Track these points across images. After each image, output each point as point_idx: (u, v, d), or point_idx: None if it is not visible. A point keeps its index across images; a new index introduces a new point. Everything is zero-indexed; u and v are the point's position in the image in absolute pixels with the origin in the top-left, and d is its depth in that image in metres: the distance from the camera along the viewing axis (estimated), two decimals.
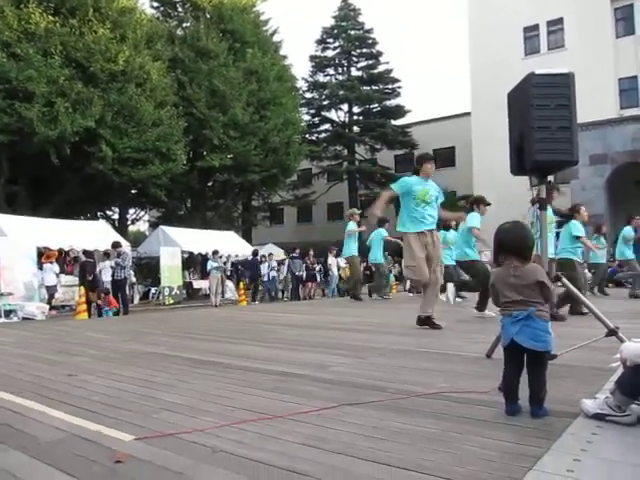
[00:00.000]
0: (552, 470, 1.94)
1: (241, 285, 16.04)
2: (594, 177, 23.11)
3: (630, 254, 11.97)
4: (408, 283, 15.45)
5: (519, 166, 3.57)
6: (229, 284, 17.85)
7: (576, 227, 8.12)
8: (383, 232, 12.77)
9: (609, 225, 22.54)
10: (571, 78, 3.38)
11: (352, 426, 2.57)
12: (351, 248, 12.51)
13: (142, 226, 40.78)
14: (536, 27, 29.03)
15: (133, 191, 23.46)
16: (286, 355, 4.78)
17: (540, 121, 3.30)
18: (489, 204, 7.88)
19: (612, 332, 3.45)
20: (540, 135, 3.31)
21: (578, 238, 8.10)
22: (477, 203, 7.88)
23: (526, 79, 3.39)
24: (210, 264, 15.40)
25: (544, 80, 3.33)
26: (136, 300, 16.47)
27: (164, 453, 2.28)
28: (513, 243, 2.66)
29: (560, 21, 28.23)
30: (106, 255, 14.05)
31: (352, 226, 12.40)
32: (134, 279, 16.27)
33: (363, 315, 8.97)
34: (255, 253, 17.82)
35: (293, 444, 2.34)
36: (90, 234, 15.67)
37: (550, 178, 3.60)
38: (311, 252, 18.00)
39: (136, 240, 25.26)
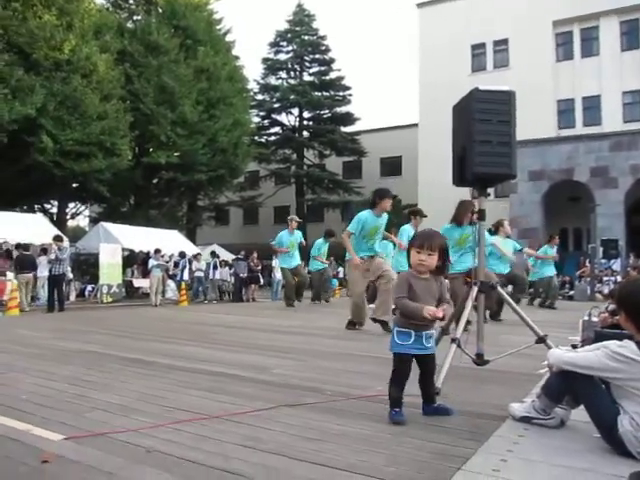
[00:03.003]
0: (479, 470, 2.02)
1: (182, 285, 15.76)
2: (532, 192, 24.08)
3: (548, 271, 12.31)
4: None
5: (460, 177, 3.69)
6: (170, 283, 17.49)
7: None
8: (323, 247, 13.13)
9: (544, 237, 23.55)
10: (512, 96, 3.52)
11: (289, 427, 2.59)
12: (284, 258, 12.39)
13: (82, 221, 39.42)
14: (483, 45, 30.05)
15: (74, 185, 22.63)
16: (226, 356, 4.75)
17: (482, 135, 3.43)
18: (425, 216, 8.29)
19: (541, 340, 3.61)
20: (481, 148, 3.43)
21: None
22: (414, 214, 8.42)
23: (470, 94, 3.52)
24: (151, 262, 15.05)
25: (487, 96, 3.46)
26: (72, 297, 15.86)
27: (94, 453, 2.22)
28: None
29: (505, 42, 29.32)
30: (43, 250, 13.50)
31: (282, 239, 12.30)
32: (71, 275, 15.67)
33: (305, 319, 9.01)
34: (182, 255, 17.55)
35: (229, 444, 2.34)
36: (25, 227, 14.99)
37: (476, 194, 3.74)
38: (255, 254, 17.89)
39: (75, 236, 24.35)
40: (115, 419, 2.70)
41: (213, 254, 18.03)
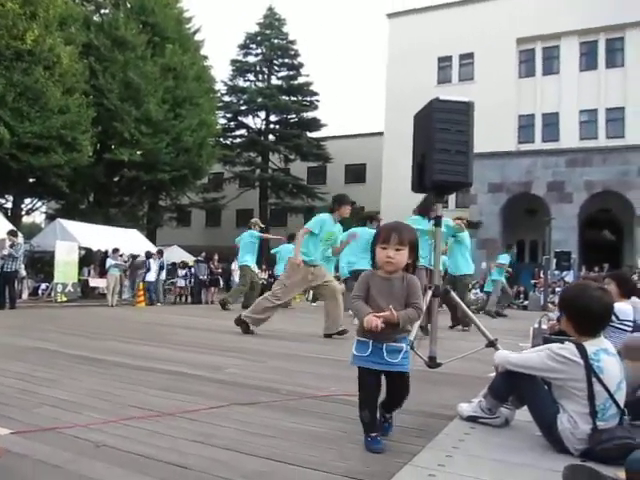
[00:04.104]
0: (425, 465, 2.08)
1: (140, 286, 15.48)
2: (491, 204, 24.69)
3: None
4: (311, 294, 15.58)
5: (420, 184, 3.79)
6: (127, 284, 17.16)
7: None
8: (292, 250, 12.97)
9: (502, 248, 24.13)
10: (470, 107, 3.65)
11: (242, 424, 2.61)
12: (245, 257, 12.27)
13: (38, 218, 38.32)
14: (449, 58, 30.70)
15: (31, 180, 22.02)
16: (181, 356, 4.72)
17: (441, 143, 3.54)
18: (379, 220, 8.69)
19: (491, 343, 3.73)
20: (440, 156, 3.54)
21: None
22: (370, 220, 8.83)
23: (431, 103, 3.63)
24: (109, 262, 14.75)
25: (446, 106, 3.57)
26: (25, 295, 15.40)
27: (42, 447, 2.19)
28: None
29: (471, 56, 30.03)
30: None
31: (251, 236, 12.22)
32: (24, 273, 15.21)
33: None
34: (148, 255, 17.07)
35: (181, 440, 2.34)
36: None
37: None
38: (216, 257, 17.76)
39: (30, 232, 23.66)
40: (64, 415, 2.67)
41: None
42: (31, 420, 2.55)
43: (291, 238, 13.25)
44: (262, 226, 12.95)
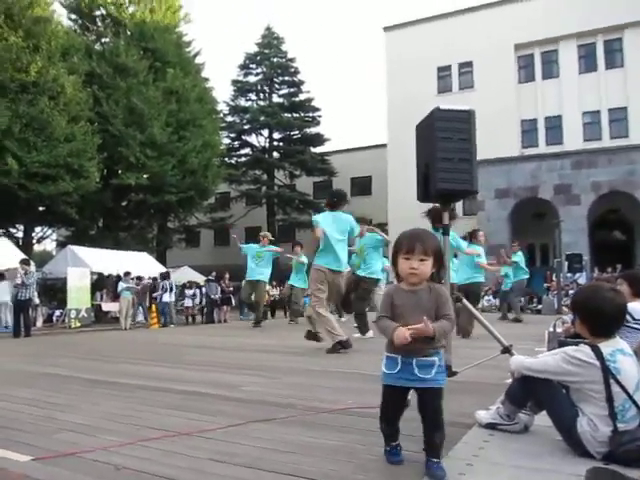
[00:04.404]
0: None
1: (153, 308, 15.54)
2: (498, 209, 24.62)
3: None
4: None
5: (425, 194, 3.80)
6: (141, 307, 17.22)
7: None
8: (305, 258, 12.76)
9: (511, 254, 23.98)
10: (472, 115, 3.67)
11: (260, 441, 2.61)
12: (256, 272, 12.08)
13: (49, 246, 38.60)
14: (449, 68, 30.83)
15: (41, 208, 22.25)
16: (196, 376, 4.72)
17: (443, 152, 3.55)
18: (368, 223, 8.58)
19: (506, 350, 3.70)
20: (443, 165, 3.56)
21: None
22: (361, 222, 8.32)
23: (432, 113, 3.66)
24: (121, 285, 14.83)
25: (447, 115, 3.60)
26: (39, 323, 15.49)
27: (63, 472, 2.21)
28: None
29: (470, 64, 30.15)
30: (1, 276, 13.19)
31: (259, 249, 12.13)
32: (38, 300, 15.31)
33: (276, 337, 8.99)
34: (165, 276, 17.08)
35: (200, 459, 2.34)
36: None
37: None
38: (227, 275, 17.80)
39: (42, 260, 23.84)
40: (83, 439, 2.68)
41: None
42: (50, 446, 2.56)
43: (296, 246, 13.21)
44: (272, 239, 12.81)
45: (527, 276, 13.13)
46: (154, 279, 17.43)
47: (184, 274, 22.05)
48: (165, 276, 16.29)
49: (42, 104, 18.25)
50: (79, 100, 20.23)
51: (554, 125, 28.45)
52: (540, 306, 20.14)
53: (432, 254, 2.15)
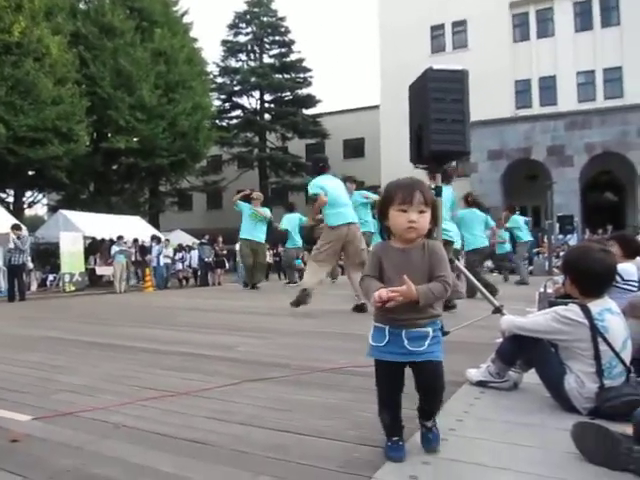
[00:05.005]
0: None
1: (147, 271, 15.59)
2: (491, 171, 24.59)
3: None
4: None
5: (418, 155, 3.79)
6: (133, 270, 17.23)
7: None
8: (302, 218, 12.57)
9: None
10: (465, 75, 3.63)
11: (256, 400, 2.67)
12: (258, 231, 12.00)
13: (40, 210, 38.30)
14: (442, 27, 30.22)
15: (30, 172, 21.99)
16: (192, 337, 4.78)
17: (436, 113, 3.53)
18: (355, 182, 8.58)
19: (497, 310, 3.77)
20: (436, 127, 3.54)
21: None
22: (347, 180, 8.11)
23: (424, 74, 3.61)
24: (114, 249, 14.82)
25: (440, 75, 3.55)
26: (33, 287, 15.52)
27: (62, 431, 2.26)
28: None
29: (464, 23, 29.56)
30: None
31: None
32: (31, 265, 15.31)
33: (269, 300, 9.06)
34: (157, 240, 17.10)
35: (197, 418, 2.40)
36: None
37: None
38: (220, 238, 17.81)
39: (33, 225, 23.69)
40: (81, 399, 2.73)
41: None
42: (50, 406, 2.61)
43: (291, 207, 13.20)
44: (261, 199, 12.57)
45: (527, 239, 13.13)
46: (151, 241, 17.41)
47: (177, 237, 22.05)
48: (156, 239, 16.27)
49: (27, 66, 17.81)
50: (65, 62, 19.75)
51: (548, 85, 28.13)
52: (531, 267, 20.33)
53: (431, 205, 1.88)
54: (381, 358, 1.90)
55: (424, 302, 1.79)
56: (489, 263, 13.04)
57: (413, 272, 1.81)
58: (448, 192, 6.34)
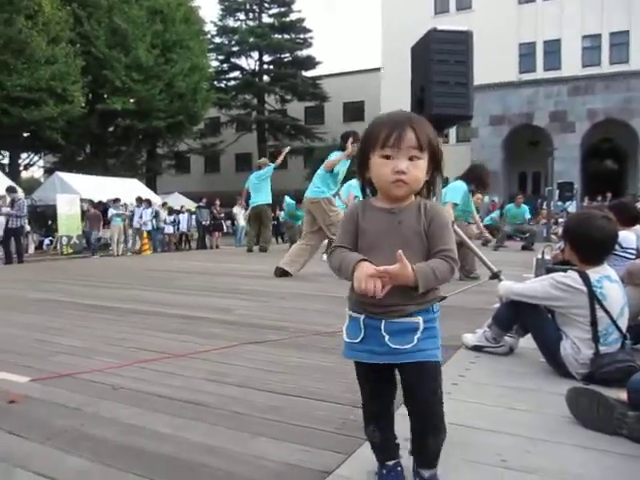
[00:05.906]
0: None
1: (144, 234, 15.55)
2: (493, 137, 24.38)
3: None
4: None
5: None
6: (131, 232, 17.18)
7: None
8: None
9: (504, 181, 24.04)
10: (469, 36, 3.53)
11: (252, 362, 2.68)
12: (256, 198, 11.67)
13: (36, 172, 38.04)
14: None
15: (25, 134, 21.75)
16: (190, 300, 4.79)
17: (439, 75, 3.45)
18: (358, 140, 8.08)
19: (495, 275, 3.77)
20: (439, 89, 3.47)
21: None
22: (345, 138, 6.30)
23: (427, 35, 3.51)
24: (111, 212, 14.76)
25: (444, 36, 3.46)
26: (31, 250, 15.51)
27: (60, 392, 2.27)
28: None
29: None
30: None
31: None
32: (29, 228, 15.27)
33: (267, 263, 9.06)
34: (149, 203, 16.70)
35: (194, 379, 2.42)
36: None
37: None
38: (217, 202, 17.73)
39: (30, 187, 23.56)
40: (79, 361, 2.74)
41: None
42: (48, 367, 2.62)
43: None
44: (269, 164, 12.28)
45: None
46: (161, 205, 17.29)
47: (174, 200, 21.96)
48: (149, 203, 16.07)
49: (19, 23, 17.44)
50: (58, 19, 19.32)
51: (553, 49, 27.57)
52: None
53: (427, 149, 1.32)
54: (356, 359, 1.41)
55: (424, 287, 1.26)
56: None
57: (404, 243, 1.29)
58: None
